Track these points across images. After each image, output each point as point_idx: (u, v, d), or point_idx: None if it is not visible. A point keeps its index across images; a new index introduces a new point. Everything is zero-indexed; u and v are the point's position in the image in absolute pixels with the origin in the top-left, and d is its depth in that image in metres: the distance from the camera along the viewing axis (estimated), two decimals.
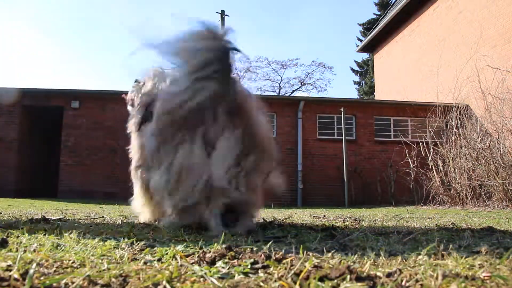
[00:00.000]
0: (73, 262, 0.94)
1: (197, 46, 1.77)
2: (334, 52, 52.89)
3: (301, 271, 0.83)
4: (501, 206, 6.55)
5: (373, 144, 12.05)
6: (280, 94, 27.79)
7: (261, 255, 1.00)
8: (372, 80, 28.99)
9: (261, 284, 0.77)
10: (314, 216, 3.72)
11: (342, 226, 2.22)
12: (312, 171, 11.73)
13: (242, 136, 1.77)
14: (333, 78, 56.97)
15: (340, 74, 60.16)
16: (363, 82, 33.57)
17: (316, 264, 0.92)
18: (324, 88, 33.09)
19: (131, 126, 2.62)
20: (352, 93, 39.93)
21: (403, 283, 0.78)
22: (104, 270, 0.86)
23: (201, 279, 0.81)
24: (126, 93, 2.84)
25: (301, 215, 3.98)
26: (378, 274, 0.84)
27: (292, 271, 0.84)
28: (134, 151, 2.53)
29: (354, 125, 12.14)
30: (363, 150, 11.97)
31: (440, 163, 8.45)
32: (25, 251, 1.06)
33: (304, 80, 29.10)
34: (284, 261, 0.97)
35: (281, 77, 28.95)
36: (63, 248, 1.18)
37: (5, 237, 1.27)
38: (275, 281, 0.79)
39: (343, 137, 10.75)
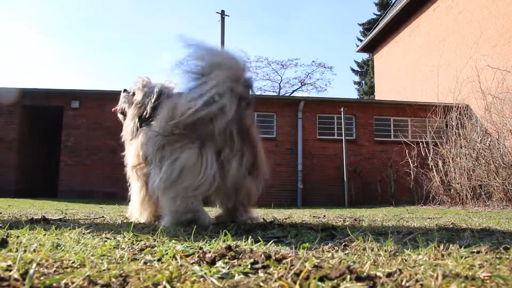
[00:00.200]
0: (73, 262, 0.94)
1: (227, 68, 1.98)
2: (334, 52, 52.93)
3: (301, 271, 0.83)
4: (501, 206, 6.55)
5: (373, 144, 12.05)
6: (280, 94, 27.80)
7: (261, 255, 1.00)
8: (372, 80, 28.99)
9: (261, 284, 0.77)
10: (314, 216, 3.72)
11: (342, 226, 2.22)
12: (312, 171, 11.73)
13: (253, 159, 2.14)
14: (333, 78, 57.01)
15: (340, 74, 60.23)
16: (363, 82, 33.58)
17: (316, 264, 0.92)
18: (324, 88, 33.17)
19: (126, 134, 2.74)
20: (352, 93, 39.97)
21: (403, 283, 0.78)
22: (104, 270, 0.87)
23: (201, 279, 0.81)
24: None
25: (301, 215, 3.98)
26: (378, 274, 0.84)
27: (292, 271, 0.84)
28: (131, 154, 2.63)
29: (354, 125, 12.14)
30: (363, 150, 11.97)
31: (440, 163, 8.45)
32: (25, 251, 1.06)
33: (304, 80, 29.12)
34: (284, 261, 0.97)
35: (281, 77, 28.99)
36: (63, 248, 1.18)
37: (5, 237, 1.27)
38: (275, 281, 0.79)
39: (343, 137, 10.76)
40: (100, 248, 1.17)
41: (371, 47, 18.04)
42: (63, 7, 46.96)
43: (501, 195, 6.90)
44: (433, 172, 8.50)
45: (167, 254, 1.09)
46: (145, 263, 0.98)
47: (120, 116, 2.93)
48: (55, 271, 0.86)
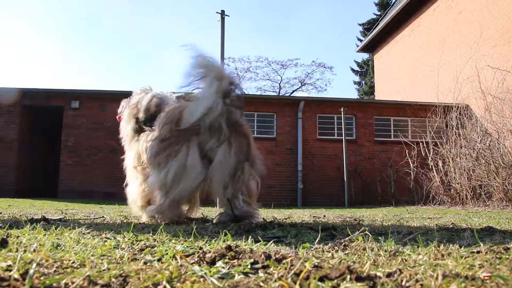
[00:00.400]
0: (73, 262, 0.94)
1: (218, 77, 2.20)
2: (334, 52, 52.93)
3: (301, 271, 0.83)
4: (501, 206, 6.55)
5: (373, 144, 12.05)
6: (280, 94, 27.81)
7: (261, 255, 1.00)
8: (372, 80, 28.99)
9: (261, 284, 0.77)
10: (314, 216, 3.72)
11: (342, 226, 2.22)
12: (312, 171, 11.73)
13: (243, 148, 2.28)
14: (333, 78, 57.07)
15: (340, 74, 60.23)
16: (363, 82, 33.58)
17: (316, 264, 0.92)
18: (324, 88, 33.16)
19: (124, 136, 2.94)
20: (352, 93, 39.98)
21: (403, 283, 0.78)
22: (104, 270, 0.87)
23: (201, 279, 0.81)
24: (125, 93, 3.06)
25: (301, 215, 3.98)
26: (378, 274, 0.84)
27: (292, 271, 0.84)
28: (131, 157, 2.78)
29: (354, 125, 12.14)
30: (363, 150, 11.97)
31: (440, 163, 8.45)
32: (25, 251, 1.06)
33: (304, 80, 29.14)
34: (284, 261, 0.97)
35: (281, 77, 29.01)
36: (63, 248, 1.18)
37: (5, 237, 1.27)
38: (275, 281, 0.79)
39: (343, 137, 10.76)
40: (100, 248, 1.17)
41: (371, 47, 18.05)
42: (63, 6, 46.99)
43: (501, 195, 6.90)
44: (433, 172, 8.50)
45: (167, 254, 1.09)
46: (145, 263, 0.98)
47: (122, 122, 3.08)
48: (55, 271, 0.86)
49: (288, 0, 49.47)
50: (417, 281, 0.78)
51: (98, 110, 11.26)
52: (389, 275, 0.84)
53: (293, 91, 29.32)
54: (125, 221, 2.66)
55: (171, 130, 2.21)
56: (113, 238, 1.47)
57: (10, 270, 0.82)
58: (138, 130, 2.77)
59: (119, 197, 3.70)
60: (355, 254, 1.14)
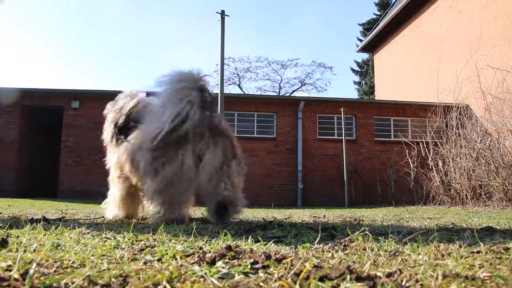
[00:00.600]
0: (73, 262, 0.94)
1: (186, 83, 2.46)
2: (334, 52, 52.90)
3: (301, 271, 0.83)
4: (501, 206, 6.55)
5: (373, 144, 12.05)
6: (280, 94, 27.80)
7: (261, 255, 1.00)
8: (372, 80, 29.00)
9: (261, 284, 0.77)
10: (314, 216, 3.72)
11: (342, 226, 2.22)
12: (312, 171, 11.73)
13: (228, 148, 2.51)
14: (333, 78, 57.04)
15: (340, 74, 60.10)
16: (363, 82, 33.58)
17: (316, 264, 0.92)
18: (324, 88, 33.16)
19: (106, 137, 3.04)
20: (352, 93, 39.97)
21: (403, 283, 0.78)
22: (104, 270, 0.87)
23: (201, 279, 0.81)
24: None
25: (301, 215, 3.99)
26: (378, 274, 0.84)
27: (292, 271, 0.84)
28: (113, 163, 2.94)
29: (354, 125, 12.14)
30: (363, 150, 11.97)
31: (440, 163, 8.45)
32: (25, 251, 1.06)
33: (304, 80, 29.11)
34: (284, 261, 0.97)
35: (281, 77, 28.99)
36: (63, 248, 1.18)
37: (5, 237, 1.27)
38: (275, 281, 0.79)
39: (343, 137, 10.76)
40: (100, 248, 1.17)
41: (371, 47, 18.05)
42: (63, 6, 46.98)
43: (501, 195, 6.90)
44: (433, 172, 8.50)
45: (167, 254, 1.09)
46: (145, 263, 0.98)
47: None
48: (55, 271, 0.86)
49: (288, 0, 49.49)
50: (417, 281, 0.78)
51: (98, 110, 11.13)
52: (389, 275, 0.84)
53: (293, 91, 29.33)
54: (125, 221, 2.66)
55: (163, 140, 2.37)
56: (113, 238, 1.47)
57: (10, 270, 0.82)
58: (115, 136, 2.89)
59: None
60: (355, 254, 1.14)
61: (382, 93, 17.21)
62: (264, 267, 0.93)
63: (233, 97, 13.04)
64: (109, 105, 3.14)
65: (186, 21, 49.76)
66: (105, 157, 3.13)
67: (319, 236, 1.53)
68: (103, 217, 3.02)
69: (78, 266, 0.91)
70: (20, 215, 3.00)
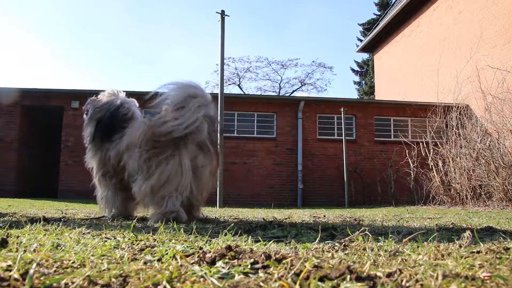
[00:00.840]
0: (73, 262, 0.94)
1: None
2: (334, 52, 52.93)
3: (301, 271, 0.83)
4: (501, 206, 6.55)
5: (373, 144, 12.06)
6: (280, 94, 27.80)
7: (261, 255, 1.00)
8: (372, 80, 28.99)
9: (261, 284, 0.77)
10: (314, 216, 3.72)
11: (342, 226, 2.22)
12: (312, 171, 11.73)
13: (216, 167, 2.76)
14: (333, 78, 57.11)
15: (340, 74, 60.18)
16: (363, 82, 33.58)
17: (316, 264, 0.92)
18: (324, 88, 33.16)
19: (85, 135, 3.06)
20: (352, 93, 39.97)
21: (403, 283, 0.78)
22: (104, 270, 0.86)
23: (201, 279, 0.81)
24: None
25: (301, 215, 3.99)
26: (378, 274, 0.84)
27: (292, 271, 0.84)
28: (95, 161, 2.97)
29: (354, 125, 12.14)
30: (363, 150, 11.98)
31: (440, 163, 8.44)
32: (25, 251, 1.06)
33: (304, 80, 29.13)
34: (284, 261, 0.97)
35: (281, 77, 29.01)
36: (63, 248, 1.18)
37: (5, 237, 1.27)
38: (275, 281, 0.79)
39: (343, 137, 10.76)
40: (100, 248, 1.17)
41: (371, 47, 18.05)
42: (62, 6, 46.98)
43: (501, 195, 6.89)
44: (433, 172, 8.50)
45: (167, 254, 1.09)
46: (145, 263, 0.98)
47: (84, 116, 3.17)
48: (55, 271, 0.86)
49: (288, 0, 49.49)
50: (417, 281, 0.78)
51: None
52: (389, 275, 0.84)
53: (293, 91, 29.34)
54: (125, 221, 2.66)
55: (160, 140, 2.46)
56: (113, 238, 1.47)
57: (10, 270, 0.82)
58: (98, 134, 2.90)
59: None
60: (355, 254, 1.14)
61: (382, 93, 17.21)
62: (264, 267, 0.93)
63: (233, 97, 13.04)
64: (90, 100, 3.11)
65: (186, 21, 49.76)
66: None
67: (319, 236, 1.53)
68: (103, 217, 3.02)
69: (78, 266, 0.91)
70: (20, 215, 3.00)
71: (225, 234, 1.55)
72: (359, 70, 33.79)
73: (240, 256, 1.04)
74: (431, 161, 8.75)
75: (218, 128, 2.78)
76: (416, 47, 14.41)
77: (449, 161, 8.30)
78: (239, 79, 28.44)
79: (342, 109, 10.78)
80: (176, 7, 50.17)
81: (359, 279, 0.80)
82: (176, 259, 1.03)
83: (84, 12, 46.75)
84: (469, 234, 1.42)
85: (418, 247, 1.26)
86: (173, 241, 1.43)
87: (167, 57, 50.64)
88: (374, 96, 21.57)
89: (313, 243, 1.40)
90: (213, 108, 2.65)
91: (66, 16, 47.68)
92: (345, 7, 51.08)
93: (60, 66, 51.97)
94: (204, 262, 0.99)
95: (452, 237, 1.63)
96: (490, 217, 3.82)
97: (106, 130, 2.86)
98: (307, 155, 11.79)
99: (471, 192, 7.58)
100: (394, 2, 16.91)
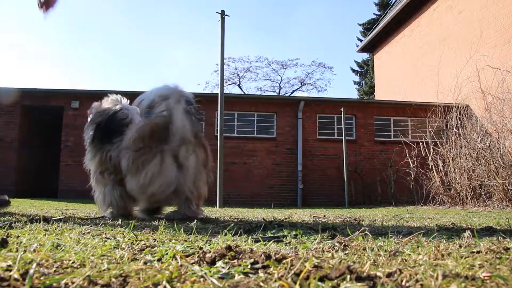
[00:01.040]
0: (73, 262, 0.94)
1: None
2: (334, 52, 52.93)
3: (301, 271, 0.83)
4: (501, 206, 6.55)
5: (373, 144, 12.06)
6: (280, 94, 27.80)
7: (261, 255, 1.00)
8: (372, 80, 28.99)
9: (261, 284, 0.77)
10: (314, 216, 3.72)
11: (342, 226, 2.22)
12: (312, 171, 11.73)
13: (203, 157, 2.78)
14: (333, 78, 57.11)
15: (340, 74, 60.20)
16: (363, 82, 33.58)
17: (316, 264, 0.92)
18: (324, 88, 33.14)
19: (86, 137, 3.17)
20: (352, 93, 39.96)
21: (403, 283, 0.78)
22: (104, 270, 0.86)
23: (201, 279, 0.81)
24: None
25: (301, 215, 3.98)
26: (378, 274, 0.84)
27: (292, 271, 0.84)
28: (94, 162, 3.06)
29: (354, 125, 12.14)
30: (363, 150, 11.98)
31: (440, 163, 8.44)
32: (25, 251, 1.06)
33: (304, 80, 29.13)
34: (284, 261, 0.97)
35: (281, 77, 29.01)
36: (63, 248, 1.18)
37: (5, 237, 1.27)
38: (275, 281, 0.79)
39: (343, 137, 10.76)
40: (100, 248, 1.17)
41: (371, 47, 18.05)
42: (62, 6, 46.91)
43: (501, 195, 6.89)
44: (433, 172, 8.49)
45: (167, 254, 1.09)
46: (145, 263, 0.98)
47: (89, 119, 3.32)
48: (55, 271, 0.86)
49: (288, 0, 49.47)
50: (417, 281, 0.78)
51: None
52: (389, 275, 0.84)
53: (293, 91, 29.34)
54: (125, 221, 2.66)
55: (144, 141, 2.60)
56: (113, 238, 1.47)
57: (10, 270, 0.82)
58: (97, 136, 2.99)
59: None
60: (355, 254, 1.14)
61: (382, 93, 17.21)
62: (264, 267, 0.93)
63: (233, 97, 13.04)
64: (94, 104, 3.28)
65: (186, 21, 49.75)
66: None
67: (319, 236, 1.53)
68: (103, 217, 3.02)
69: (78, 266, 0.91)
70: (20, 215, 3.00)
71: (225, 234, 1.55)
72: (359, 70, 33.79)
73: (240, 256, 1.04)
74: (431, 161, 8.75)
75: (198, 119, 2.81)
76: (416, 47, 14.40)
77: (449, 161, 8.30)
78: (239, 79, 28.45)
79: (342, 109, 10.77)
80: (176, 7, 50.18)
81: (359, 279, 0.80)
82: (176, 259, 1.03)
83: (84, 12, 46.76)
84: (469, 234, 1.42)
85: (418, 247, 1.26)
86: (173, 241, 1.43)
87: (167, 57, 50.63)
88: (374, 96, 21.56)
89: (313, 243, 1.40)
90: (185, 100, 2.72)
91: (66, 16, 47.67)
92: (345, 7, 51.10)
93: (60, 66, 51.96)
94: (204, 262, 0.99)
95: (452, 237, 1.63)
96: (490, 217, 3.82)
97: (105, 133, 2.95)
98: (307, 155, 11.79)
99: (471, 192, 7.58)
100: (394, 2, 16.91)
